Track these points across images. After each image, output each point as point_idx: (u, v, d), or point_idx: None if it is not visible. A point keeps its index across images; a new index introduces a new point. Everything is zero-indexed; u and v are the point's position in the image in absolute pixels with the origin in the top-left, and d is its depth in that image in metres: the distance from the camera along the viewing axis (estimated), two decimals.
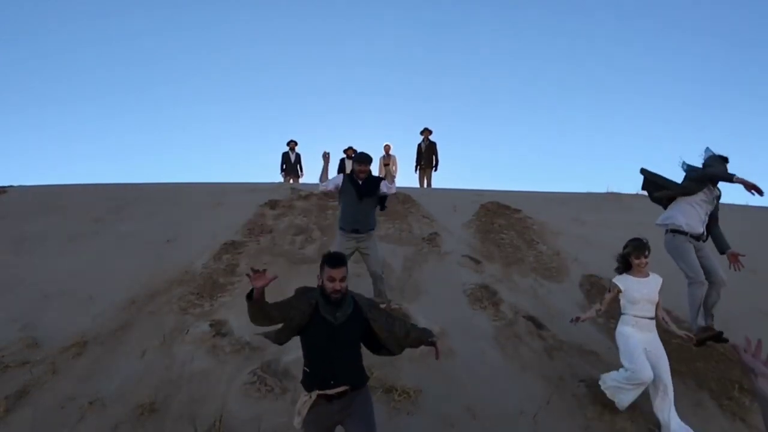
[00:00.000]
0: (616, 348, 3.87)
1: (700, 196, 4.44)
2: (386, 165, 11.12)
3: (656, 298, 3.78)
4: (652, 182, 4.72)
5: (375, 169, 11.67)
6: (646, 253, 3.80)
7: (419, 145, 11.30)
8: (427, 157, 11.21)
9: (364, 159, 4.91)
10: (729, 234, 4.69)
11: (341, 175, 5.10)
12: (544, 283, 5.89)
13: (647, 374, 3.51)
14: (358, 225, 4.91)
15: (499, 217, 7.88)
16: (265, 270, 2.50)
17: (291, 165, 11.60)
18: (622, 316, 3.85)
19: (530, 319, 5.02)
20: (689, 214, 4.46)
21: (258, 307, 2.52)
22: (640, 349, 3.63)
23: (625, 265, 3.90)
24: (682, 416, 3.56)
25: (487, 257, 6.45)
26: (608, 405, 3.82)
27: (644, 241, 3.84)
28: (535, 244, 6.91)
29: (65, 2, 31.11)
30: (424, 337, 2.81)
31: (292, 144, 11.65)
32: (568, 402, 3.90)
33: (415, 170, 11.44)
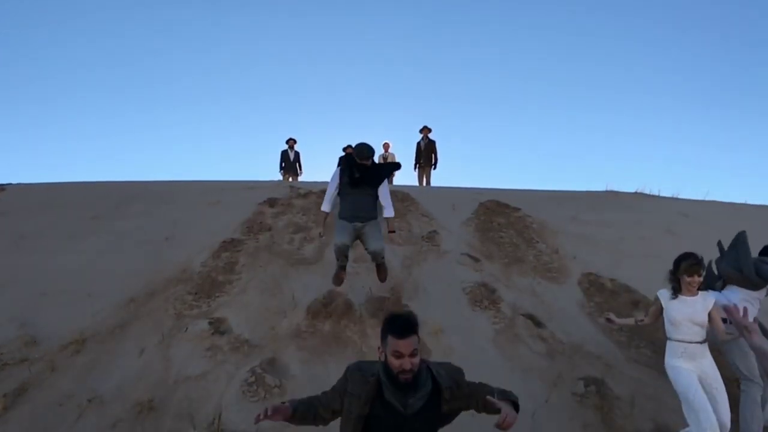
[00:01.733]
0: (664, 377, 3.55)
1: (762, 293, 4.00)
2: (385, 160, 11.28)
3: (704, 319, 3.37)
4: (733, 249, 4.12)
5: None
6: (701, 271, 3.42)
7: (418, 143, 11.31)
8: (426, 155, 11.23)
9: (364, 153, 4.58)
10: (725, 232, 4.64)
11: (335, 170, 4.82)
12: (543, 282, 5.89)
13: (708, 419, 3.10)
14: (357, 219, 4.66)
15: (498, 215, 7.87)
16: (283, 404, 2.04)
17: (290, 163, 11.59)
18: (668, 343, 3.51)
19: (529, 317, 5.03)
20: (748, 310, 4.07)
21: (296, 422, 2.07)
22: (695, 382, 3.28)
23: (678, 284, 3.49)
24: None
25: (486, 256, 6.46)
26: (606, 403, 3.82)
27: (700, 257, 3.44)
28: (534, 243, 6.91)
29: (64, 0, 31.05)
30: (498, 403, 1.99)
31: (291, 142, 11.65)
32: (566, 400, 3.91)
33: (414, 168, 11.45)
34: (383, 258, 4.89)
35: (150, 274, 5.68)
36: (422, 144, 11.26)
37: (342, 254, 4.72)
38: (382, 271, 5.01)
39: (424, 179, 11.38)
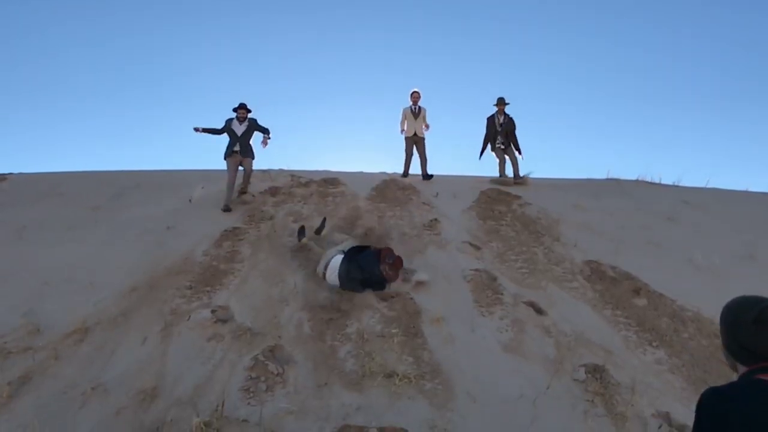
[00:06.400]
0: None
1: None
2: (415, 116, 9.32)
3: None
4: None
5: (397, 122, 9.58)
6: None
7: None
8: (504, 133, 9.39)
9: None
10: (730, 220, 4.63)
11: None
12: (544, 270, 5.89)
13: None
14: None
15: (499, 203, 7.86)
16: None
17: None
18: None
19: (530, 305, 5.03)
20: None
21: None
22: None
23: None
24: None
25: (487, 244, 6.45)
26: (608, 390, 3.84)
27: None
28: (535, 231, 6.91)
29: None
30: None
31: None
32: (568, 387, 3.92)
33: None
34: None
35: (152, 263, 5.69)
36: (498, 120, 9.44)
37: None
38: None
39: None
